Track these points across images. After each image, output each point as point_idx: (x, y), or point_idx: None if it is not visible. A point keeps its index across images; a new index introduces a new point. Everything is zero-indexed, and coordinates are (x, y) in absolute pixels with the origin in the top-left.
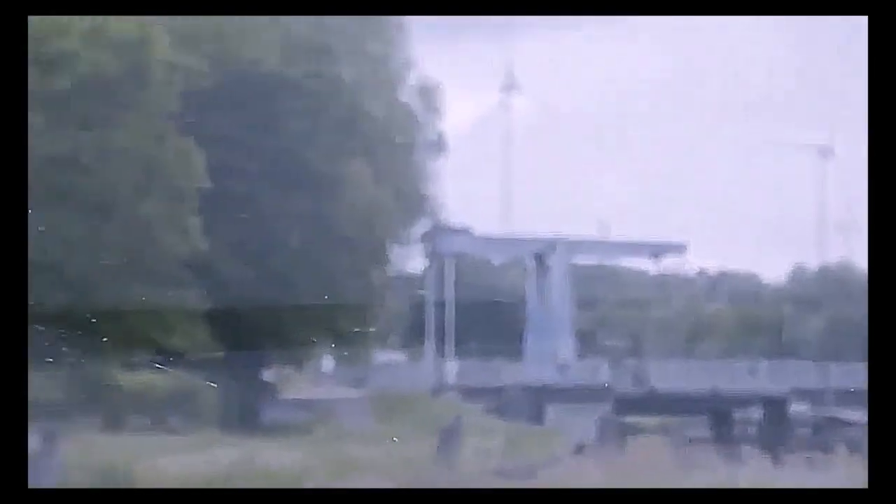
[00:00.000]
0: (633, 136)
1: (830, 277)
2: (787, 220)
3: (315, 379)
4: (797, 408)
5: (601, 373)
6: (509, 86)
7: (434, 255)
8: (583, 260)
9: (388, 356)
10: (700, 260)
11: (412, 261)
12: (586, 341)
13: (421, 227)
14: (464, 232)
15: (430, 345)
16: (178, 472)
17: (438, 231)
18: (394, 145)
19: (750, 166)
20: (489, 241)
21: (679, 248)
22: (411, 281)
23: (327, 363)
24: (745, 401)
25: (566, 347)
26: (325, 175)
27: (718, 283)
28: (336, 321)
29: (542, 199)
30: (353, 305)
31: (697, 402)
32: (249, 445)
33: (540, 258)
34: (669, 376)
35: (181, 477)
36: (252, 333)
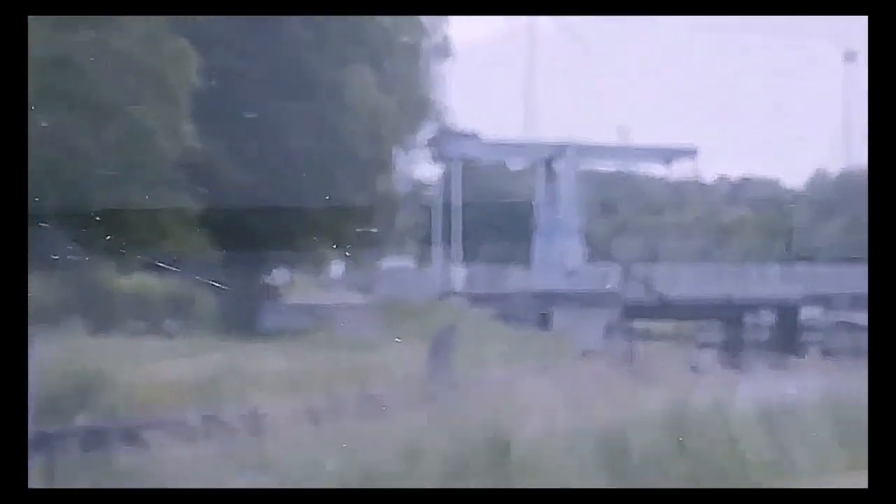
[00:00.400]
0: (658, 45)
1: (851, 182)
2: (812, 126)
3: (323, 284)
4: (810, 312)
5: (610, 279)
6: None
7: (441, 160)
8: (593, 165)
9: (396, 262)
10: (722, 166)
11: (420, 166)
12: (599, 247)
13: (427, 132)
14: (471, 137)
15: (438, 251)
16: (164, 378)
17: (445, 136)
18: (399, 50)
19: (775, 73)
20: (497, 145)
21: (690, 153)
22: (419, 186)
23: (336, 268)
24: (756, 306)
25: (574, 253)
26: (328, 81)
27: (739, 189)
28: (340, 226)
29: (563, 106)
30: (357, 210)
31: (708, 308)
32: (245, 350)
33: (549, 163)
34: (681, 281)
35: (165, 382)
36: (253, 237)
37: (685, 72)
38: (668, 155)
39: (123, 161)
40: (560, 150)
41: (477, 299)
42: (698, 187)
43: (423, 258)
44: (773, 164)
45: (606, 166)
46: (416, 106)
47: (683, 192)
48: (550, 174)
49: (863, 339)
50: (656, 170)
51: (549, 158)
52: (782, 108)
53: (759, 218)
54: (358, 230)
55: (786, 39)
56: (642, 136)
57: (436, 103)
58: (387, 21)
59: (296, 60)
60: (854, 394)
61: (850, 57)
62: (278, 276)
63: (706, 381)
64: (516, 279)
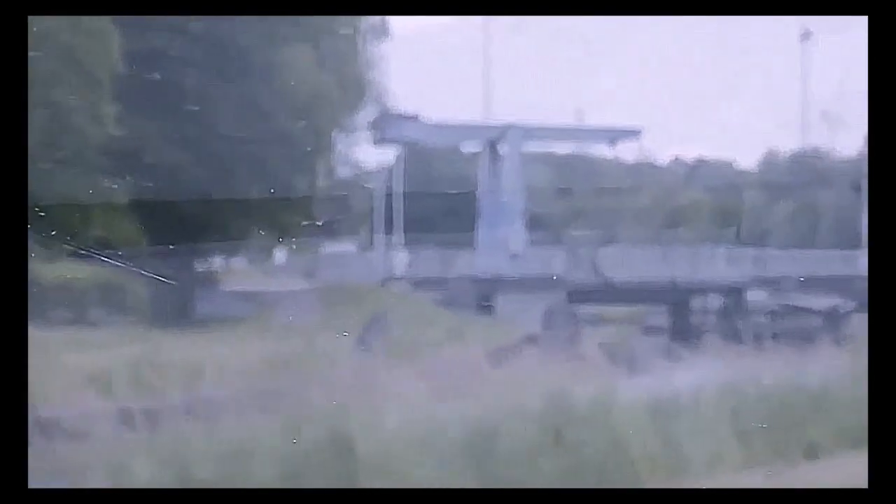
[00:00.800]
0: (615, 29)
1: (804, 165)
2: (768, 107)
3: (266, 271)
4: (756, 296)
5: (555, 262)
6: None
7: (383, 143)
8: (537, 146)
9: (340, 247)
10: (678, 148)
11: (361, 149)
12: (546, 231)
13: (368, 114)
14: (413, 119)
15: (382, 236)
16: (74, 369)
17: (386, 118)
18: (337, 30)
19: (731, 52)
20: (440, 128)
21: (634, 134)
22: (360, 169)
23: (280, 255)
24: (702, 289)
25: (518, 237)
26: (261, 61)
27: (694, 171)
28: (279, 211)
29: (514, 90)
30: (296, 195)
31: (654, 292)
32: (169, 340)
33: (493, 145)
34: (629, 265)
35: (74, 374)
36: (188, 225)
37: (639, 53)
38: (613, 135)
39: (44, 145)
40: (503, 131)
41: (419, 284)
42: (650, 169)
43: (368, 243)
44: (729, 146)
45: (551, 147)
46: (355, 86)
47: (633, 175)
48: (494, 156)
49: (806, 322)
50: (605, 151)
51: (492, 140)
52: (738, 88)
53: (711, 200)
54: (297, 215)
55: (741, 19)
56: (597, 119)
57: (376, 84)
58: None
59: (230, 40)
60: (779, 380)
61: (805, 36)
62: (218, 263)
63: (634, 368)
64: (460, 264)
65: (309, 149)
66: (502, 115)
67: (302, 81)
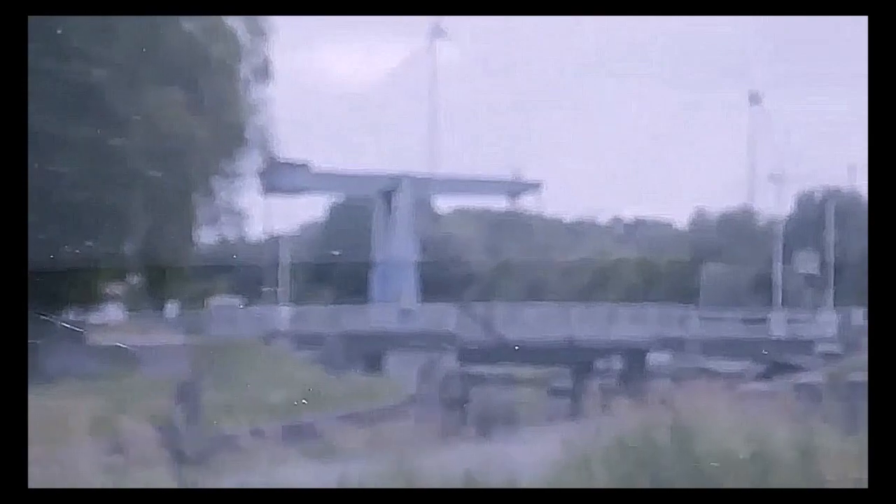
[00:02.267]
0: (553, 86)
1: (736, 224)
2: (714, 169)
3: (147, 325)
4: (659, 357)
5: (449, 319)
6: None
7: (270, 191)
8: (433, 197)
9: (229, 301)
10: (621, 208)
11: (247, 197)
12: (441, 286)
13: (251, 161)
14: (301, 166)
15: (274, 289)
16: None
17: (274, 166)
18: (213, 71)
19: (678, 114)
20: (329, 176)
21: (535, 187)
22: (242, 218)
23: (170, 308)
24: (604, 349)
25: (410, 291)
26: (119, 103)
27: (631, 230)
28: (147, 263)
29: (466, 144)
30: (167, 246)
31: (551, 352)
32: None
33: (387, 196)
34: (526, 323)
35: None
36: (52, 276)
37: (589, 114)
38: (514, 188)
39: None
40: (397, 181)
41: (304, 340)
42: (587, 228)
43: (258, 297)
44: (671, 206)
45: (448, 199)
46: (233, 131)
47: (569, 234)
48: (388, 207)
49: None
50: (543, 209)
51: (387, 190)
52: (687, 150)
53: (638, 260)
54: (169, 271)
55: (693, 82)
56: (535, 176)
57: (260, 130)
58: (197, 33)
59: (82, 77)
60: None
61: (755, 99)
62: (96, 316)
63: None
64: (350, 318)
65: (174, 196)
66: (412, 165)
67: (168, 125)
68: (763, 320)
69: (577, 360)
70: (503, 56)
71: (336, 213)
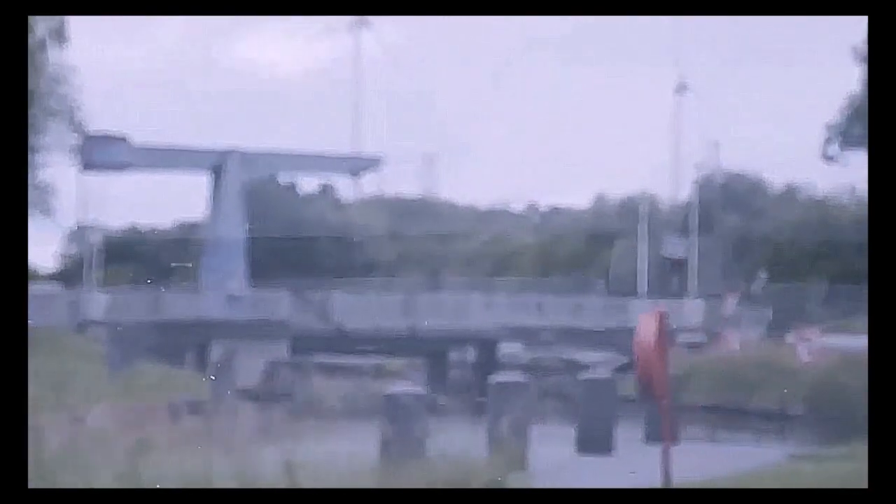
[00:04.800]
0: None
1: (630, 208)
2: (630, 155)
3: None
4: (510, 347)
5: (281, 306)
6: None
7: (87, 166)
8: (266, 174)
9: (42, 287)
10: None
11: (60, 172)
12: (277, 270)
13: (63, 134)
14: (119, 140)
15: (91, 274)
16: None
17: (88, 140)
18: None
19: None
20: (151, 151)
21: (376, 163)
22: (53, 195)
23: None
24: (452, 339)
25: (239, 276)
26: None
27: (547, 217)
28: None
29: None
30: None
31: (391, 341)
32: None
33: (216, 172)
34: (366, 311)
35: None
36: None
37: (513, 99)
38: (355, 164)
39: None
40: (223, 156)
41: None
42: (500, 215)
43: (75, 282)
44: (587, 192)
45: (287, 176)
46: (38, 103)
47: (483, 220)
48: (217, 184)
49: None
50: (454, 196)
51: (215, 166)
52: (612, 138)
53: (532, 246)
54: None
55: (621, 69)
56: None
57: (64, 98)
58: None
59: None
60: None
61: (680, 89)
62: None
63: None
64: (172, 305)
65: None
66: (239, 140)
67: None
68: (623, 308)
69: (422, 350)
70: (424, 47)
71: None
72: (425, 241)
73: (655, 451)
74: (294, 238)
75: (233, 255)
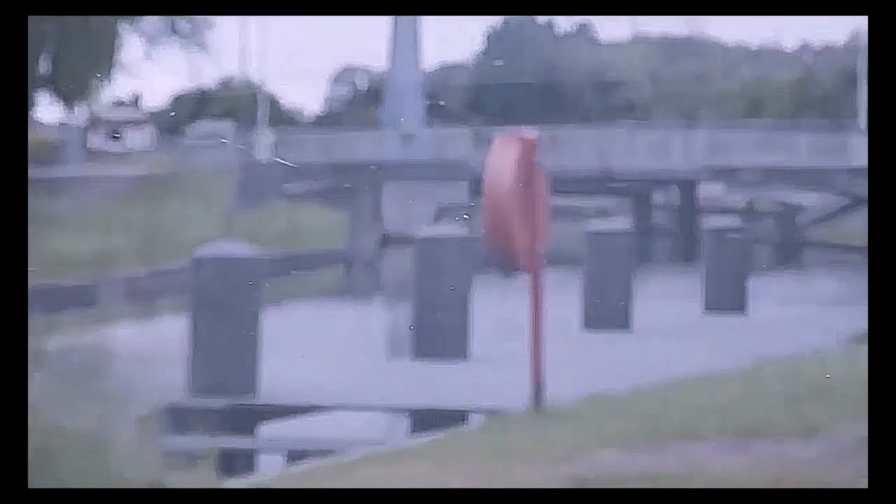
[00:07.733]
0: None
1: None
2: None
3: None
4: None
5: (457, 145)
6: None
7: None
8: None
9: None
10: None
11: None
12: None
13: None
14: None
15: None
16: None
17: None
18: None
19: None
20: None
21: None
22: None
23: None
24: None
25: (415, 115)
26: None
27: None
28: None
29: None
30: None
31: (590, 182)
32: None
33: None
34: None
35: None
36: None
37: None
38: None
39: None
40: None
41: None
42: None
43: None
44: None
45: None
46: None
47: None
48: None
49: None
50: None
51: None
52: None
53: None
54: None
55: None
56: None
57: None
58: None
59: None
60: None
61: None
62: None
63: None
64: (340, 145)
65: None
66: None
67: None
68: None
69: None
70: None
71: None
72: (682, 82)
73: None
74: (544, 81)
75: (411, 95)
